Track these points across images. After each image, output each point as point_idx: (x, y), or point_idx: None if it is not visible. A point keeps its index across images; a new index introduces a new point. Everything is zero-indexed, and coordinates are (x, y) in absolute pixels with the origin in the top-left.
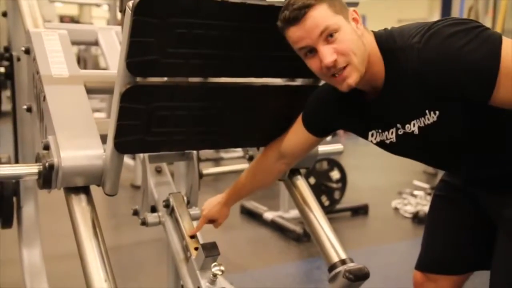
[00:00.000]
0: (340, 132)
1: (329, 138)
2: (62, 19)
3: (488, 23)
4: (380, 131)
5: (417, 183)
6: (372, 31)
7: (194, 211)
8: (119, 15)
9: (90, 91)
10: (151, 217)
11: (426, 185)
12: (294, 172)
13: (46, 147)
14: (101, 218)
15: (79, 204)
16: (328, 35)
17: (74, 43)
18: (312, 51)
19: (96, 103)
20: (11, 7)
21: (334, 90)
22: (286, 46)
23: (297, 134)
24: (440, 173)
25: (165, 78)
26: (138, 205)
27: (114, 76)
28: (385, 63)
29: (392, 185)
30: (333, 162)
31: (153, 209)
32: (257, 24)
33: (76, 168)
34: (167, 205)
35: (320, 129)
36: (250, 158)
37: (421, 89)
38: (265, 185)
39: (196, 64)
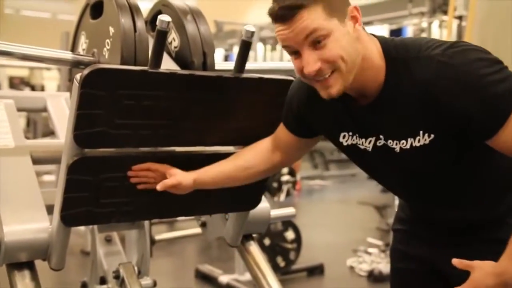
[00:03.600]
0: (295, 192)
1: (282, 198)
2: (12, 80)
3: None
4: (356, 135)
5: (371, 240)
6: (377, 36)
7: (146, 281)
8: None
9: (36, 161)
10: None
11: (380, 242)
12: (247, 237)
13: None
14: None
15: (23, 281)
16: (315, 41)
17: (22, 110)
18: (296, 53)
19: (45, 165)
20: None
21: (308, 85)
22: (235, 114)
23: (283, 133)
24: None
25: (114, 149)
26: (87, 277)
27: (61, 145)
28: (388, 71)
29: (346, 242)
30: (287, 222)
31: (103, 281)
32: (206, 94)
33: (20, 242)
34: (117, 276)
35: (302, 130)
36: (203, 225)
37: (425, 105)
38: (249, 169)
39: (145, 135)
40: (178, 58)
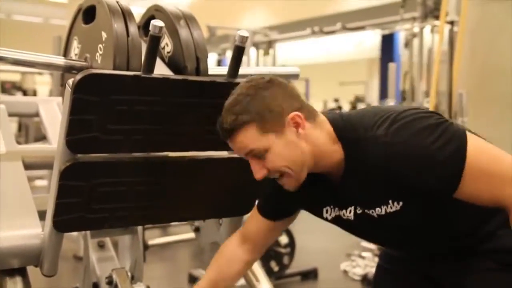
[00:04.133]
0: None
1: None
2: (4, 85)
3: (423, 87)
4: (337, 208)
5: (364, 244)
6: (328, 117)
7: (139, 286)
8: None
9: (28, 166)
10: None
11: (373, 246)
12: None
13: None
14: None
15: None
16: (256, 156)
17: (13, 115)
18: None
19: (37, 170)
20: None
21: None
22: None
23: (255, 221)
24: None
25: (106, 154)
26: (79, 283)
27: (53, 150)
28: (345, 151)
29: (340, 247)
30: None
31: (96, 286)
32: (199, 99)
33: (12, 249)
34: (110, 281)
35: (277, 212)
36: (196, 229)
37: (385, 181)
38: (226, 280)
39: (138, 140)
40: (171, 63)
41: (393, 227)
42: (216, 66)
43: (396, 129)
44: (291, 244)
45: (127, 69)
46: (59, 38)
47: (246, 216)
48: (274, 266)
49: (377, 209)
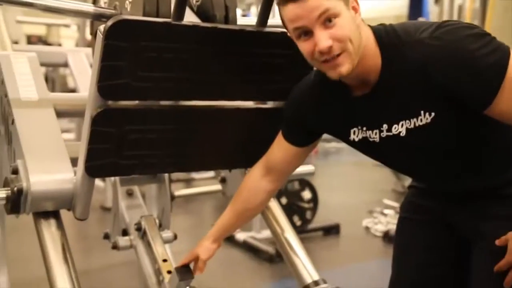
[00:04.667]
0: (312, 153)
1: None
2: (30, 38)
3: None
4: (364, 128)
5: (387, 201)
6: (369, 25)
7: (166, 233)
8: (88, 36)
9: (60, 114)
10: (122, 241)
11: (395, 204)
12: None
13: (15, 171)
14: (70, 241)
15: (49, 229)
16: (327, 19)
17: (43, 64)
18: (307, 33)
19: (65, 123)
20: None
21: (311, 89)
22: (257, 69)
23: (280, 148)
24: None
25: (136, 101)
26: (109, 228)
27: (84, 99)
28: (384, 58)
29: (362, 204)
30: (304, 182)
31: (125, 233)
32: (228, 48)
33: (46, 192)
34: (138, 228)
35: (302, 138)
36: (223, 180)
37: (422, 87)
38: (251, 210)
39: (167, 88)
40: (200, 12)
41: (420, 149)
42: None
43: (441, 33)
44: (314, 199)
45: (157, 17)
46: None
47: None
48: (297, 221)
49: (403, 122)
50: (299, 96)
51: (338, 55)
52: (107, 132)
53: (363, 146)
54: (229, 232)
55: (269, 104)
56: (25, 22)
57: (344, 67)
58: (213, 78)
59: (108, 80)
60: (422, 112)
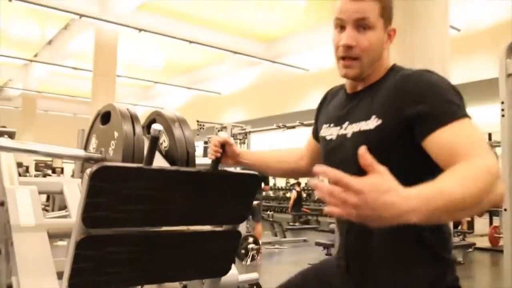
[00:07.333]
0: (258, 256)
1: (248, 261)
2: (38, 164)
3: None
4: (332, 125)
5: None
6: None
7: None
8: None
9: (52, 236)
10: None
11: None
12: None
13: (9, 287)
14: None
15: None
16: (362, 26)
17: (43, 192)
18: (343, 28)
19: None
20: None
21: (336, 87)
22: (211, 200)
23: (309, 142)
24: None
25: (114, 229)
26: None
27: (73, 223)
28: (387, 73)
29: None
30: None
31: None
32: (188, 184)
33: None
34: None
35: (315, 130)
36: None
37: (389, 94)
38: (282, 162)
39: (139, 217)
40: (168, 156)
41: (351, 157)
42: (202, 157)
43: (432, 73)
44: None
45: (133, 161)
46: (83, 131)
47: (223, 277)
48: None
49: (357, 124)
50: (327, 92)
51: (355, 58)
52: (88, 254)
53: (322, 145)
54: (251, 158)
55: (222, 227)
56: (34, 154)
57: (352, 71)
58: (176, 208)
59: (91, 213)
60: (373, 116)
